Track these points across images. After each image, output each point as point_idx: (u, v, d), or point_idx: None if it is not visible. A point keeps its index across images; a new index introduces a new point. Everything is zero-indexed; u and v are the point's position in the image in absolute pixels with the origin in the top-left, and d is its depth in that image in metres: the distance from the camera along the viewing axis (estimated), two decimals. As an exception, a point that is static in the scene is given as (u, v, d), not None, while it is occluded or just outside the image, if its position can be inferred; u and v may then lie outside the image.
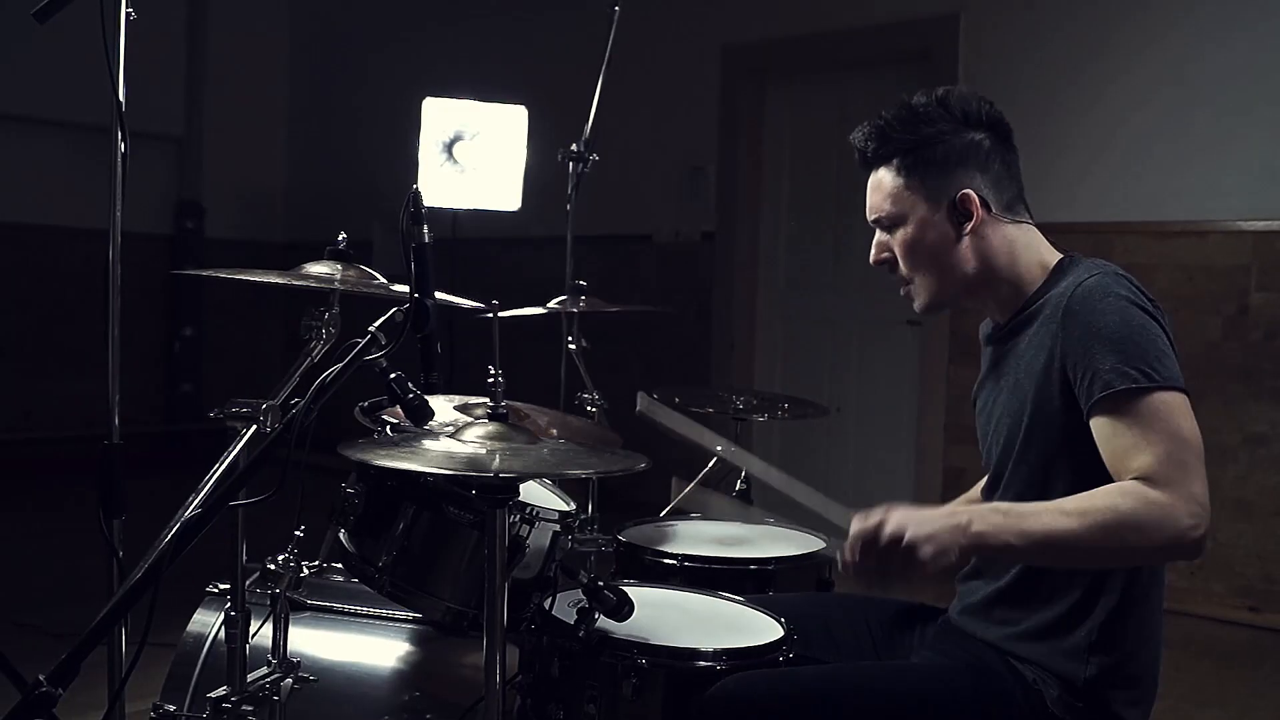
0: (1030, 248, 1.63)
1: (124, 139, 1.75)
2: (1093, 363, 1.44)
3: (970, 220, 1.59)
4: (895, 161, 1.62)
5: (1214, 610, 4.03)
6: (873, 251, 1.69)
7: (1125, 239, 4.20)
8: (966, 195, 1.59)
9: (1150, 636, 1.56)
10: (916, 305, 1.68)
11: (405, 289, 1.53)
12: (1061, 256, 1.63)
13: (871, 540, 1.41)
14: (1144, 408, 1.40)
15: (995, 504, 1.48)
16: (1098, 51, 4.33)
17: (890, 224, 1.65)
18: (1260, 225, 3.98)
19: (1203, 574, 4.07)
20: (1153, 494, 1.36)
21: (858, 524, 1.43)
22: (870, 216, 1.68)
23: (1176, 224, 4.13)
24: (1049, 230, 1.70)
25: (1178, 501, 1.35)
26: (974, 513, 1.43)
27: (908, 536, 1.39)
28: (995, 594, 1.63)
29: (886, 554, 1.40)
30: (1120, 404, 1.41)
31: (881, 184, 1.64)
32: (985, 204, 1.60)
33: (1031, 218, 1.67)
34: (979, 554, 1.53)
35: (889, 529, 1.40)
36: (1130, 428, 1.41)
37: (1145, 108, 4.21)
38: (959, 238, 1.61)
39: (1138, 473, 1.38)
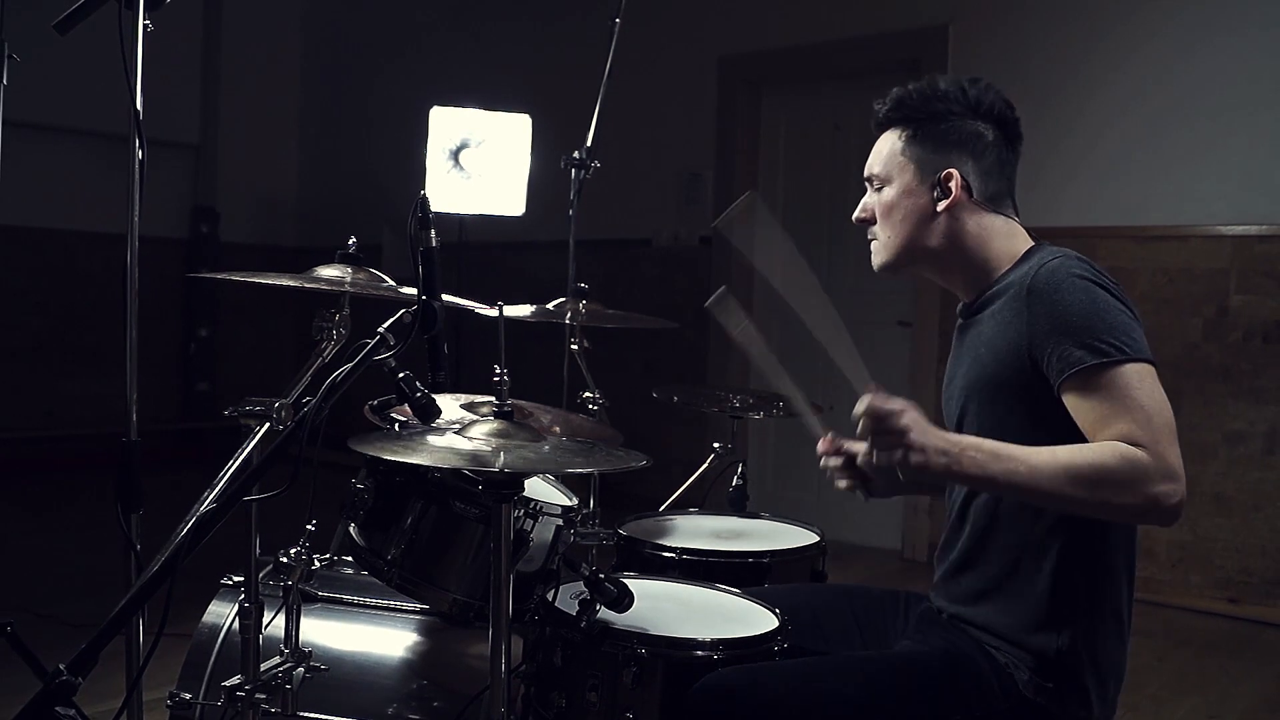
0: (1007, 238, 1.64)
1: (141, 146, 1.76)
2: (1061, 340, 1.45)
3: (948, 199, 1.61)
4: (900, 128, 1.66)
5: (1194, 602, 4.04)
6: (858, 209, 1.72)
7: (1108, 243, 4.20)
8: (950, 174, 1.61)
9: (1118, 611, 1.56)
10: (875, 262, 1.71)
11: (413, 291, 1.53)
12: (1031, 245, 1.64)
13: (881, 417, 1.42)
14: (1116, 380, 1.41)
15: (985, 442, 1.45)
16: (1082, 61, 4.33)
17: (879, 184, 1.69)
18: (1239, 230, 3.98)
19: (1183, 567, 4.08)
20: (1136, 455, 1.36)
21: (878, 401, 1.43)
22: (866, 174, 1.71)
23: (1158, 228, 4.13)
24: (1039, 233, 1.70)
25: (1158, 466, 1.36)
26: (967, 444, 1.44)
27: (909, 436, 1.41)
28: (963, 594, 1.64)
29: (883, 437, 1.43)
30: (1091, 378, 1.42)
31: (882, 146, 1.69)
32: (968, 188, 1.62)
33: (1018, 217, 1.68)
34: (958, 481, 1.55)
35: (900, 420, 1.42)
36: (1105, 400, 1.41)
37: (1128, 116, 4.21)
38: (935, 213, 1.63)
39: (1118, 439, 1.39)
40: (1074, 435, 1.44)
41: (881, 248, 1.69)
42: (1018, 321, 1.51)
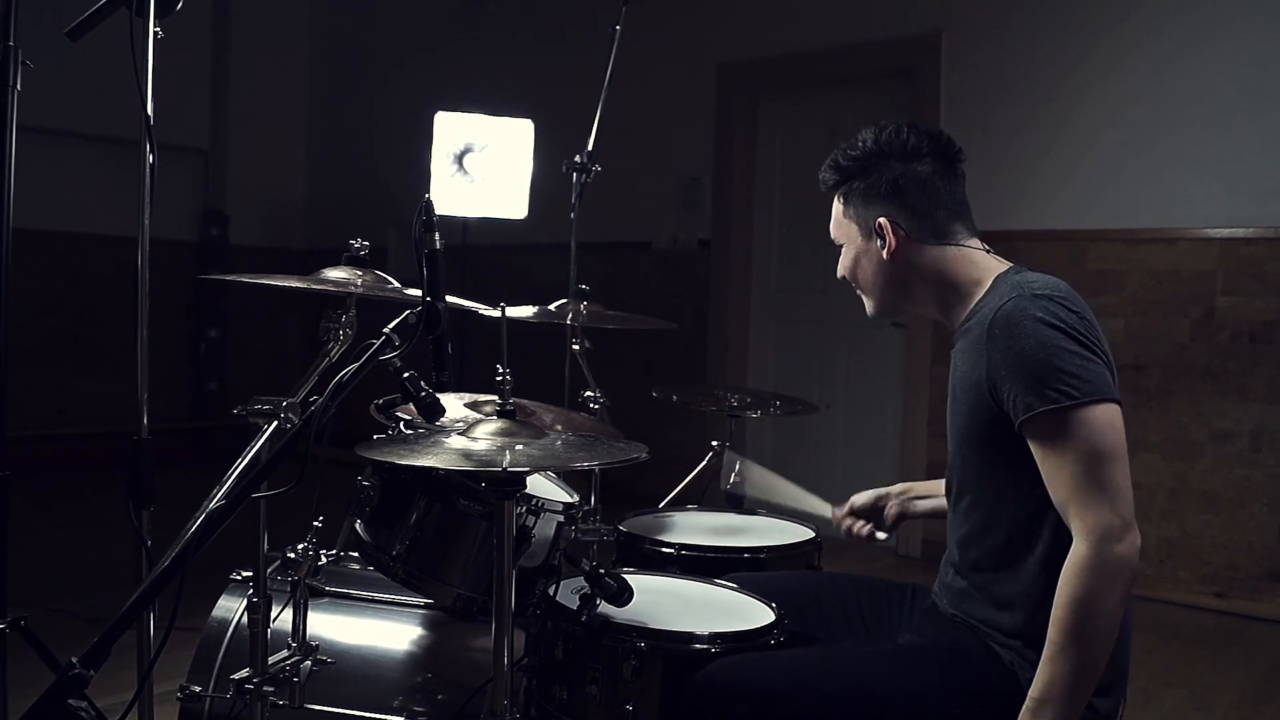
0: (964, 264, 1.66)
1: (152, 151, 1.76)
2: (1015, 386, 1.46)
3: (886, 245, 1.66)
4: (839, 194, 1.74)
5: (1182, 596, 4.04)
6: (839, 268, 1.79)
7: (1098, 246, 4.20)
8: (881, 224, 1.66)
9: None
10: (868, 313, 1.79)
11: (418, 292, 1.53)
12: (1000, 271, 1.64)
13: None
14: (1061, 427, 1.43)
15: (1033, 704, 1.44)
16: (1073, 69, 4.33)
17: (841, 245, 1.76)
18: (1226, 233, 3.98)
19: (1171, 562, 4.08)
20: (1086, 561, 1.39)
21: None
22: (832, 237, 1.78)
23: (1147, 232, 4.13)
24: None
25: (1101, 551, 1.39)
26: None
27: None
28: (963, 591, 1.64)
29: None
30: (1041, 425, 1.45)
31: (834, 212, 1.76)
32: (903, 231, 1.65)
33: (970, 236, 1.69)
34: None
35: None
36: (1053, 449, 1.44)
37: (1118, 122, 4.21)
38: (884, 260, 1.68)
39: (1063, 501, 1.42)
40: (1025, 470, 1.48)
41: (866, 301, 1.78)
42: (980, 363, 1.53)
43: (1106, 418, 1.44)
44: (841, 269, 1.77)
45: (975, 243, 1.68)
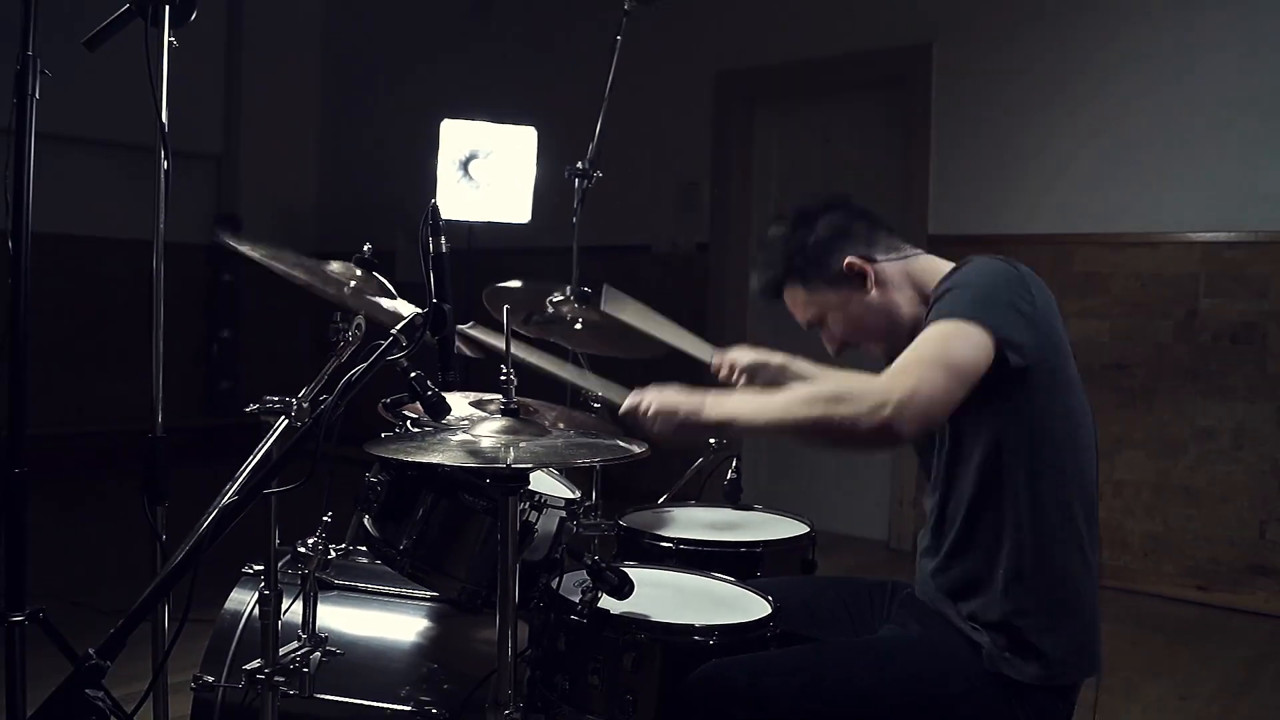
0: (925, 270, 1.69)
1: (167, 157, 1.76)
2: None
3: (866, 278, 1.67)
4: (786, 284, 1.73)
5: (1165, 589, 4.04)
6: (831, 348, 1.78)
7: (1084, 249, 4.20)
8: (850, 262, 1.67)
9: (1071, 594, 1.54)
10: (886, 359, 1.73)
11: (411, 306, 1.53)
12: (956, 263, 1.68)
13: (635, 412, 1.65)
14: (928, 329, 1.48)
15: (742, 392, 1.69)
16: (1059, 78, 4.33)
17: (821, 322, 1.74)
18: (1208, 237, 3.98)
19: (1155, 556, 4.08)
20: (871, 381, 1.44)
21: (630, 400, 1.67)
22: (806, 327, 1.77)
23: (1131, 236, 4.13)
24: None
25: (880, 387, 1.41)
26: (714, 397, 1.58)
27: (654, 410, 1.61)
28: (935, 580, 1.66)
29: (647, 422, 1.63)
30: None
31: (795, 299, 1.75)
32: (867, 259, 1.68)
33: (917, 250, 1.72)
34: (720, 429, 1.61)
35: (646, 408, 1.63)
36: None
37: (1104, 130, 4.21)
38: (868, 296, 1.68)
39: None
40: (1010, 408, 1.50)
41: (876, 349, 1.73)
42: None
43: (959, 331, 1.45)
44: (837, 340, 1.75)
45: (925, 253, 1.73)
